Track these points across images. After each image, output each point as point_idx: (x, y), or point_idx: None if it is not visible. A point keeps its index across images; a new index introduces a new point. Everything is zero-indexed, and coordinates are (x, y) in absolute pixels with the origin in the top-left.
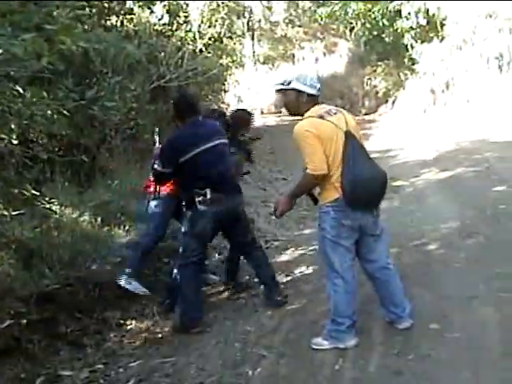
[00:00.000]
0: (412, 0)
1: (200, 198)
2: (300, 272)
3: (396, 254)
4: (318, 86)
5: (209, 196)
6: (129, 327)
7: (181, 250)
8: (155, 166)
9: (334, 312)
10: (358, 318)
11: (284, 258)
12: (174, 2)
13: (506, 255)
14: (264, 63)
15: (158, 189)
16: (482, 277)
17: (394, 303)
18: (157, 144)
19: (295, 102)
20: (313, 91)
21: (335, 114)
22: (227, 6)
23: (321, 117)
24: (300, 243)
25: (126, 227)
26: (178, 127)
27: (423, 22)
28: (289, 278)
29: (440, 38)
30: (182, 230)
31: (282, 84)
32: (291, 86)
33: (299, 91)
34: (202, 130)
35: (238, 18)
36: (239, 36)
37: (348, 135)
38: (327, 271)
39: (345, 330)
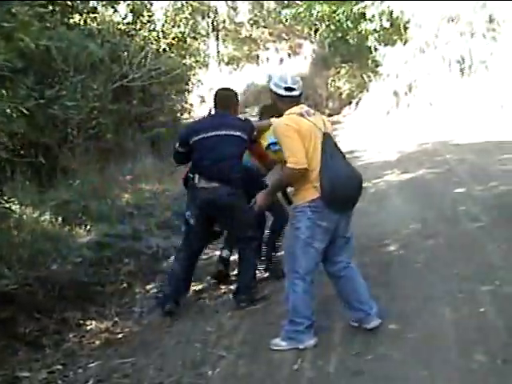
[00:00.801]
0: (376, 0)
1: (190, 182)
2: (260, 273)
3: (357, 255)
4: (285, 85)
5: (196, 181)
6: (88, 328)
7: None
8: (176, 146)
9: (292, 313)
10: (318, 318)
11: None
12: (138, 2)
13: (464, 256)
14: (228, 63)
15: None
16: (440, 277)
17: (360, 300)
18: None
19: (273, 100)
20: (278, 91)
21: (314, 114)
22: (191, 5)
23: (300, 115)
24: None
25: (87, 227)
26: None
27: (387, 24)
28: None
29: (403, 40)
30: None
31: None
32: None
33: (271, 90)
34: (210, 121)
35: (203, 18)
36: (203, 36)
37: (326, 136)
38: (288, 271)
39: (303, 330)
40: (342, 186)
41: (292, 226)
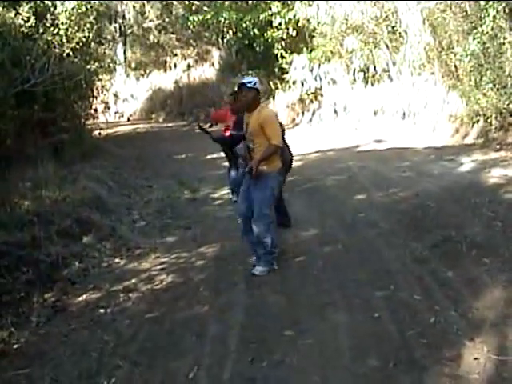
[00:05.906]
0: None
1: None
2: (160, 280)
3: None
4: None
5: None
6: None
7: None
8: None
9: (271, 245)
10: (214, 325)
11: (145, 265)
12: (42, 4)
13: (361, 262)
14: (136, 69)
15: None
16: (337, 284)
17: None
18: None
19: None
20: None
21: None
22: (97, 10)
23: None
24: (162, 251)
25: None
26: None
27: (293, 33)
28: (148, 286)
29: (309, 49)
30: None
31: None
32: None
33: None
34: None
35: (110, 23)
36: (110, 41)
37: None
38: (263, 218)
39: (276, 256)
40: (290, 161)
41: (267, 185)
